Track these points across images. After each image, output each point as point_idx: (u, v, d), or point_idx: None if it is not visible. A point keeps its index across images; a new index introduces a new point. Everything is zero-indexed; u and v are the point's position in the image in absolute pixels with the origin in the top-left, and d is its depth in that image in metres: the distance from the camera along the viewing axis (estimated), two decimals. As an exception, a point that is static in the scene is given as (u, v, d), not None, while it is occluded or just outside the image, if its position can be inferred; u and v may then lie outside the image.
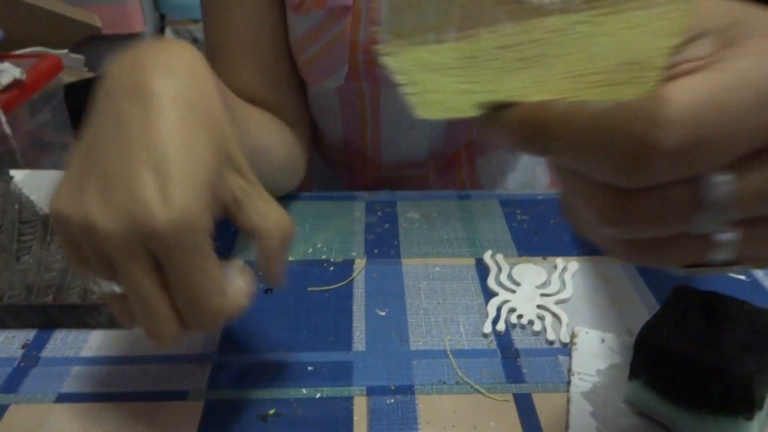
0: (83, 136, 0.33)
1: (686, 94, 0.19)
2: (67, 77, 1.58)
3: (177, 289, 0.30)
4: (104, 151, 0.31)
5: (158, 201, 0.29)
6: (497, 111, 0.22)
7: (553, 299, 0.48)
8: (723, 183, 0.20)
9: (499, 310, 0.47)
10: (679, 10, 0.18)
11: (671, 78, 0.20)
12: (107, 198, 0.29)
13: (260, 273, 0.35)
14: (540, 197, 0.62)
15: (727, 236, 0.21)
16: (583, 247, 0.54)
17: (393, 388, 0.41)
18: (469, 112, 0.24)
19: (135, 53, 0.34)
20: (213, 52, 0.60)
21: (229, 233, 0.56)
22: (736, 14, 0.22)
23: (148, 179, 0.29)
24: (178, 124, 0.31)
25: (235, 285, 0.32)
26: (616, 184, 0.20)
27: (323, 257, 0.53)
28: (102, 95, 0.33)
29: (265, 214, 0.35)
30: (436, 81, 0.22)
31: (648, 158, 0.19)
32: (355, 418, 0.38)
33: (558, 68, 0.20)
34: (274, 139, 0.56)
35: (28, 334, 0.45)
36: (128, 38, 2.07)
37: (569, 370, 0.41)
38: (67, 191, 0.31)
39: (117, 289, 0.32)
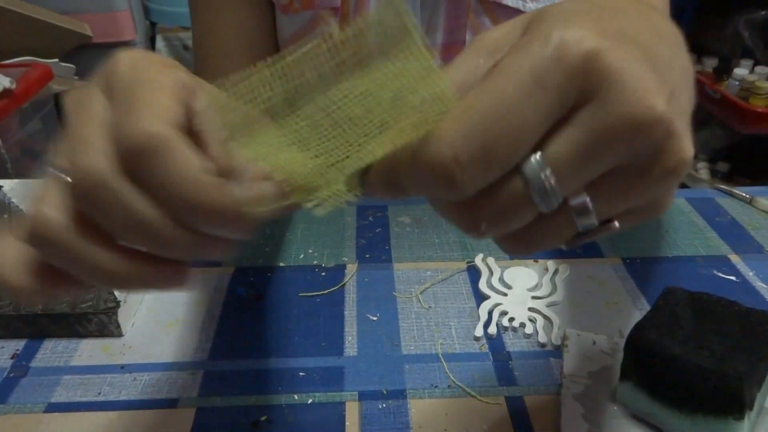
0: None
1: (463, 108, 0.21)
2: (57, 86, 1.57)
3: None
4: None
5: None
6: (362, 177, 0.24)
7: (545, 302, 0.48)
8: (536, 163, 0.21)
9: (490, 313, 0.47)
10: (414, 52, 0.21)
11: None
12: None
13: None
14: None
15: (578, 203, 0.22)
16: (574, 250, 0.54)
17: (385, 392, 0.41)
18: (352, 192, 0.25)
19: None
20: (201, 52, 0.60)
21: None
22: (525, 23, 0.23)
23: None
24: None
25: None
26: (454, 200, 0.22)
27: (315, 262, 0.53)
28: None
29: None
30: (293, 160, 0.23)
31: (452, 172, 0.20)
32: (347, 423, 0.38)
33: (375, 122, 0.23)
34: None
35: (18, 344, 0.45)
36: (119, 46, 2.06)
37: (561, 372, 0.41)
38: None
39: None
